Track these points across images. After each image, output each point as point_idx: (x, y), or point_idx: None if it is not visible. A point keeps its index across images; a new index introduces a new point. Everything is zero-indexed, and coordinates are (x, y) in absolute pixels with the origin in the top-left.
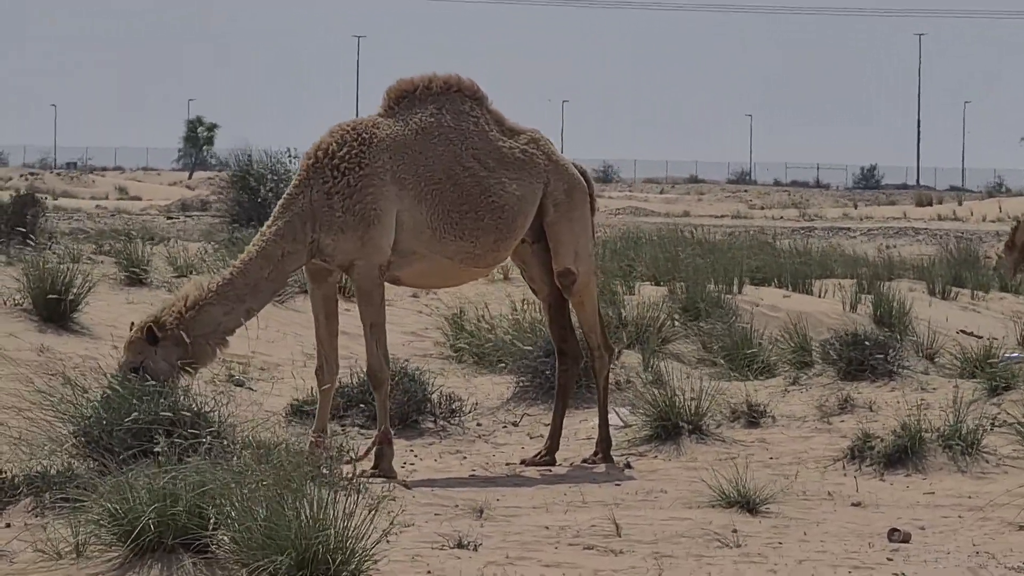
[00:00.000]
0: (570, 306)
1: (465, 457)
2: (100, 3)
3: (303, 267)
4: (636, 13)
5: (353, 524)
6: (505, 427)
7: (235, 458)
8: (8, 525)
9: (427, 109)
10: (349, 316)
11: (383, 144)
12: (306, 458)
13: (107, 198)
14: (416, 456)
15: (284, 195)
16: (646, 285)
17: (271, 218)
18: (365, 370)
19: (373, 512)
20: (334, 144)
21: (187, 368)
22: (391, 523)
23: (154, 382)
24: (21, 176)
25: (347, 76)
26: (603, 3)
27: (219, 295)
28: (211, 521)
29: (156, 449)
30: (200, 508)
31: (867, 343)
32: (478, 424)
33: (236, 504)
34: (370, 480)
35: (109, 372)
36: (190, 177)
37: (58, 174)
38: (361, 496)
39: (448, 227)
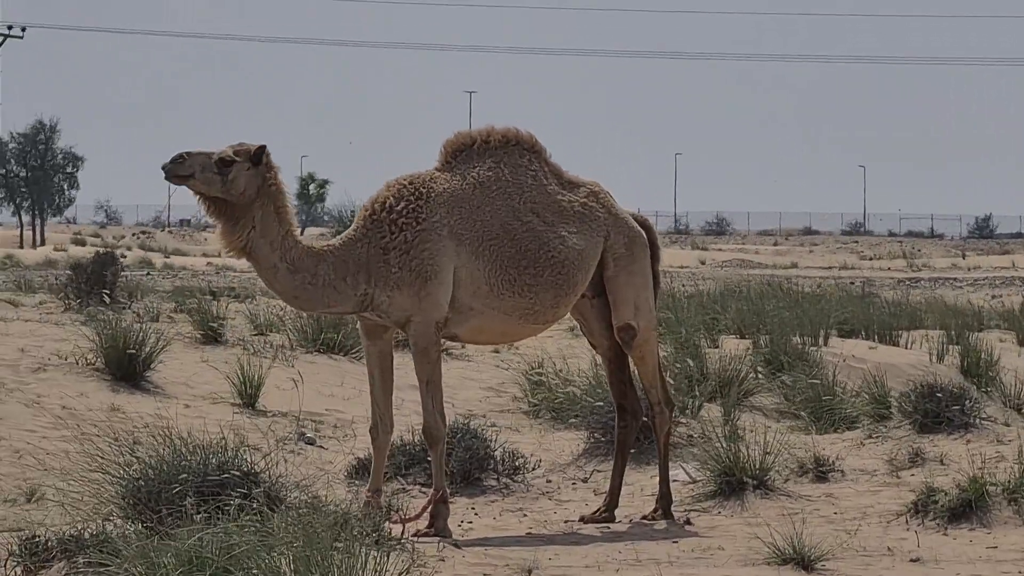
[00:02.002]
0: (631, 362)
1: (526, 515)
2: (209, 62)
3: (358, 324)
4: (749, 65)
5: None
6: (574, 484)
7: (267, 520)
8: None
9: (485, 163)
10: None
11: (440, 199)
12: (357, 517)
13: (219, 255)
14: (476, 514)
15: (343, 236)
16: (731, 338)
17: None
18: (421, 428)
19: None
20: (391, 198)
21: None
22: None
23: (220, 181)
24: (133, 235)
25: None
26: (715, 56)
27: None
28: None
29: (193, 511)
30: (227, 572)
31: (941, 395)
32: (547, 481)
33: (263, 568)
34: (420, 540)
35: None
36: (301, 233)
37: (170, 232)
38: (409, 556)
39: (506, 283)
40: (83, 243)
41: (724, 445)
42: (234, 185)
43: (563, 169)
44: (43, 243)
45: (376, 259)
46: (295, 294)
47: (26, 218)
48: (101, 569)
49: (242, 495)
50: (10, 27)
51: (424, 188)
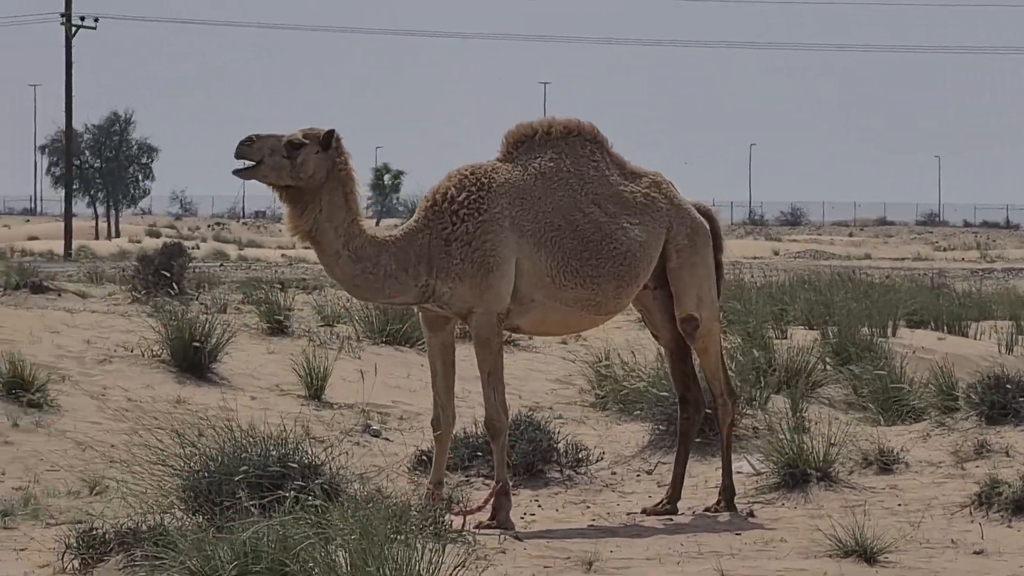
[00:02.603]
0: (693, 353)
1: (588, 507)
2: (283, 52)
3: (420, 316)
4: (824, 55)
5: None
6: (638, 476)
7: (324, 513)
8: None
9: (546, 154)
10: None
11: (502, 190)
12: (417, 509)
13: (293, 247)
14: (539, 506)
15: (405, 227)
16: (799, 329)
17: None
18: (483, 419)
19: (460, 568)
20: (453, 189)
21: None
22: None
23: (289, 165)
24: (209, 226)
25: None
26: (788, 46)
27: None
28: None
29: (249, 503)
30: (283, 565)
31: (1009, 386)
32: (612, 473)
33: (319, 561)
34: (481, 532)
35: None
36: (377, 224)
37: (245, 223)
38: (466, 549)
39: (568, 274)
40: (158, 235)
41: (788, 437)
42: (303, 168)
43: (625, 159)
44: (118, 235)
45: (438, 250)
46: (355, 283)
47: (101, 210)
48: (157, 562)
49: (299, 488)
50: (83, 18)
51: (486, 179)
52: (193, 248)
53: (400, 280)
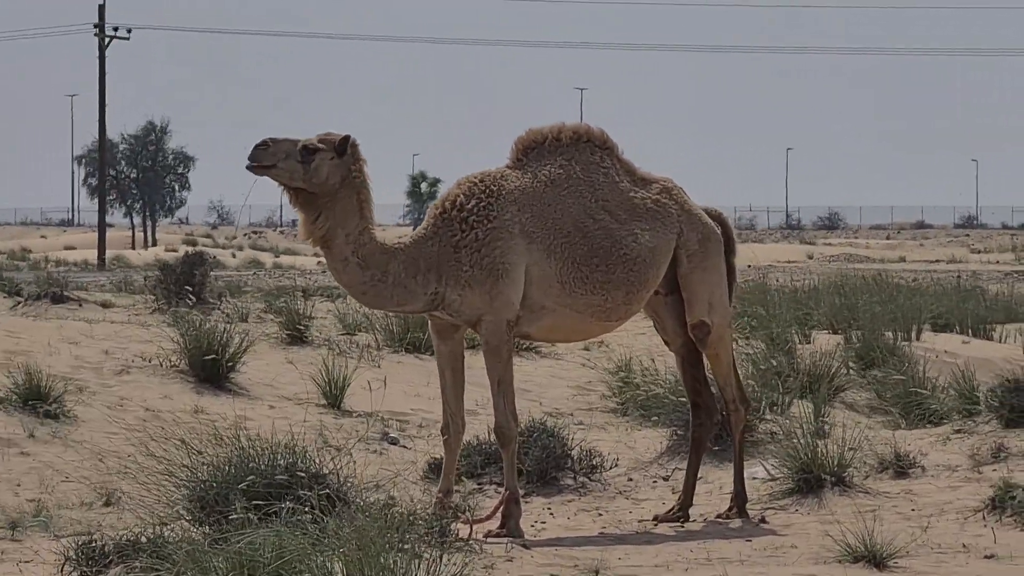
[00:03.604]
0: (705, 359)
1: (601, 514)
2: (320, 60)
3: (429, 324)
4: (860, 60)
5: None
6: (654, 482)
7: (321, 522)
8: None
9: (556, 160)
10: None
11: (511, 196)
12: (422, 518)
13: None
14: (551, 514)
15: (414, 235)
16: (823, 333)
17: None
18: (493, 427)
19: None
20: (462, 196)
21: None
22: None
23: (303, 170)
24: (245, 235)
25: None
26: (825, 50)
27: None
28: None
29: (247, 514)
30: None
31: None
32: (628, 479)
33: (315, 571)
34: (490, 541)
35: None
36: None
37: (282, 232)
38: (463, 558)
39: (578, 281)
40: (194, 243)
41: (802, 442)
42: (316, 174)
43: (635, 165)
44: (155, 244)
45: (447, 258)
46: (363, 290)
47: (137, 220)
48: (153, 574)
49: (295, 498)
50: (116, 28)
51: (495, 186)
52: (231, 256)
53: (409, 288)
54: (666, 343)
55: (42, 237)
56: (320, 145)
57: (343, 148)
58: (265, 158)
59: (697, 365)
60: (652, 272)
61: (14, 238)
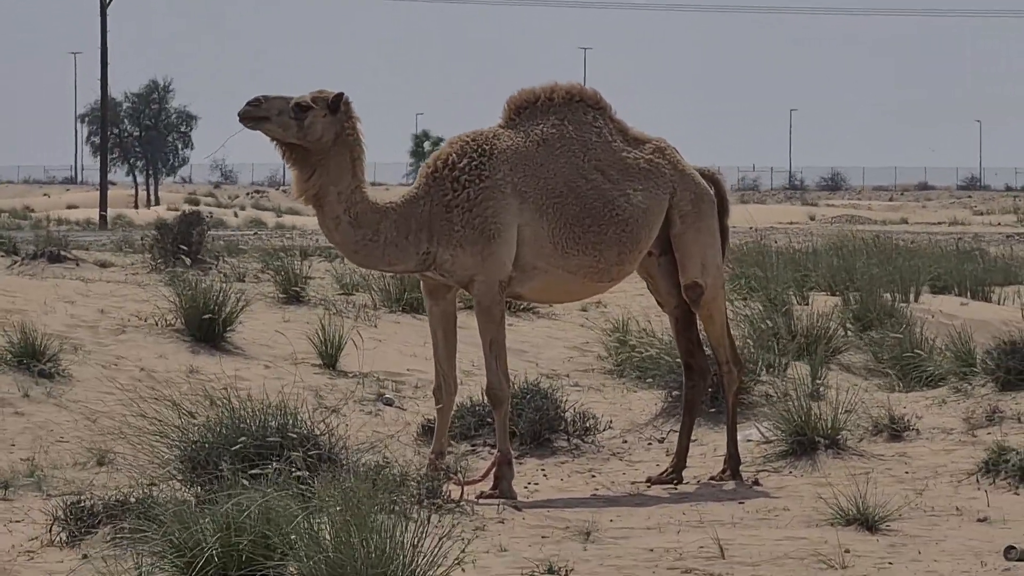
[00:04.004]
0: (698, 320)
1: (594, 476)
2: (325, 18)
3: (421, 284)
4: (863, 20)
5: (426, 552)
6: (649, 444)
7: (309, 484)
8: (85, 556)
9: (549, 120)
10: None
11: (503, 156)
12: (414, 479)
13: None
14: (544, 475)
15: (406, 194)
16: (821, 295)
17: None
18: (484, 388)
19: (442, 540)
20: (454, 155)
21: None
22: (462, 551)
23: (296, 125)
24: (247, 194)
25: None
26: (830, 11)
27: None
28: (277, 552)
29: (235, 475)
30: (267, 538)
31: None
32: (623, 441)
33: (302, 533)
34: (482, 503)
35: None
36: None
37: (284, 191)
38: (452, 519)
39: (570, 241)
40: (197, 203)
41: (797, 404)
42: (310, 131)
43: (628, 125)
44: (157, 203)
45: (439, 217)
46: (355, 249)
47: (140, 178)
48: (140, 535)
49: (286, 460)
50: None
51: (487, 145)
52: (233, 215)
53: (400, 247)
54: (660, 304)
55: (45, 195)
56: (313, 103)
57: (336, 106)
58: (258, 112)
59: (690, 326)
60: (645, 232)
61: (17, 196)
